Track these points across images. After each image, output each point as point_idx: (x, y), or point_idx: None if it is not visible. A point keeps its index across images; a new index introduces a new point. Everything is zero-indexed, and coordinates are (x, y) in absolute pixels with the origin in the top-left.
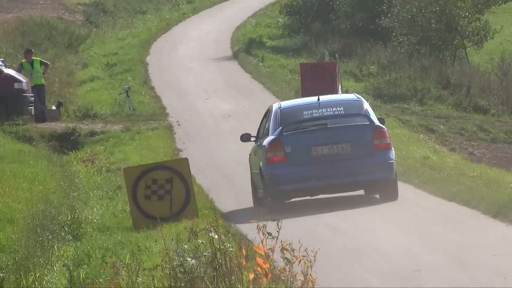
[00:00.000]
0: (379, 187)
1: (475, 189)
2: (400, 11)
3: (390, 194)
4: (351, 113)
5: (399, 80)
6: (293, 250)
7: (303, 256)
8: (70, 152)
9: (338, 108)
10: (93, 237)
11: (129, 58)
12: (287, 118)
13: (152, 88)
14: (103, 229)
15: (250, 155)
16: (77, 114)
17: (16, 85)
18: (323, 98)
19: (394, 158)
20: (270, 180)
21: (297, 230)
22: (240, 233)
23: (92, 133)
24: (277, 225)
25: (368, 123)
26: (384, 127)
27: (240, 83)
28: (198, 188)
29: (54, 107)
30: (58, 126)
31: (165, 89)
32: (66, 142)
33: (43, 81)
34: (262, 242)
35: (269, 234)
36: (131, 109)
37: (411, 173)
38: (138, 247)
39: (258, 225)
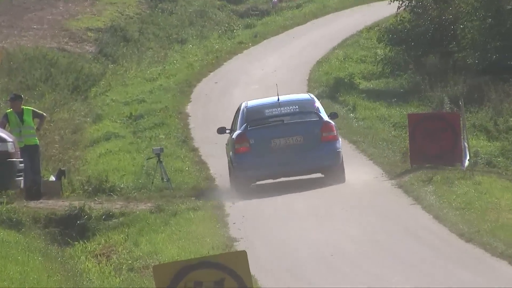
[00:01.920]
0: (328, 171)
1: None
2: None
3: (338, 178)
4: (304, 111)
5: None
6: None
7: None
8: (76, 243)
9: (293, 107)
10: None
11: (162, 107)
12: (252, 116)
13: (195, 150)
14: None
15: (226, 145)
16: (86, 187)
17: None
18: (282, 98)
19: (340, 148)
20: (238, 167)
21: None
22: None
23: (108, 215)
24: None
25: (318, 119)
26: (331, 121)
27: None
28: None
29: (53, 178)
30: (59, 205)
31: (213, 151)
32: (71, 228)
33: (37, 140)
34: None
35: None
36: (165, 180)
37: None
38: None
39: None
